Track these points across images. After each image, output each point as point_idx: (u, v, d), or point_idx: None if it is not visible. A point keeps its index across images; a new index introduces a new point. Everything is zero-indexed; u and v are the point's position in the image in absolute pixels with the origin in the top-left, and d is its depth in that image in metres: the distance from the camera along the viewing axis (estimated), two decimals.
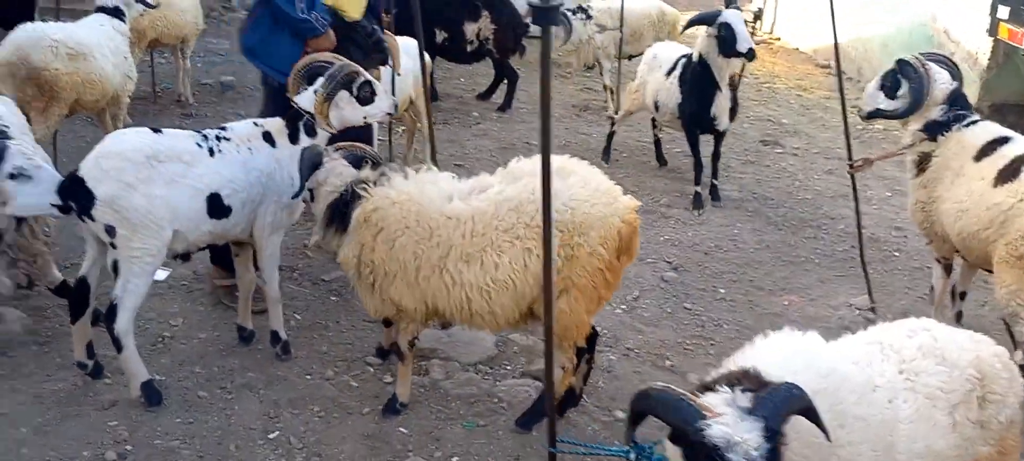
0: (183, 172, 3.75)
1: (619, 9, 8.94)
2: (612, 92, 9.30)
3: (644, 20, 9.37)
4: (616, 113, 9.09)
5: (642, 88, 7.37)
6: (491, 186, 3.70)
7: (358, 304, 5.06)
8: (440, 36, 8.75)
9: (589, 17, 9.21)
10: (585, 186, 3.62)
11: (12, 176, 3.61)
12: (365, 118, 4.19)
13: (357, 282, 3.84)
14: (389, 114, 4.27)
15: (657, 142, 7.78)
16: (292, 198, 3.95)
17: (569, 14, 9.05)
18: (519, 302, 3.63)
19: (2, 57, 5.53)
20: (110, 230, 3.65)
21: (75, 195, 3.62)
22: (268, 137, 4.08)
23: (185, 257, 4.06)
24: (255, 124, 4.11)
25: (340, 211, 3.72)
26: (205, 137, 3.92)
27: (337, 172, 3.80)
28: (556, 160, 3.67)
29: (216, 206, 3.86)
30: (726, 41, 6.43)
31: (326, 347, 4.58)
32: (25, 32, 5.65)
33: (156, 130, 3.87)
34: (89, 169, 3.64)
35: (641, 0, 9.42)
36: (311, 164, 3.79)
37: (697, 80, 6.73)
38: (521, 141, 8.26)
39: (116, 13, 6.23)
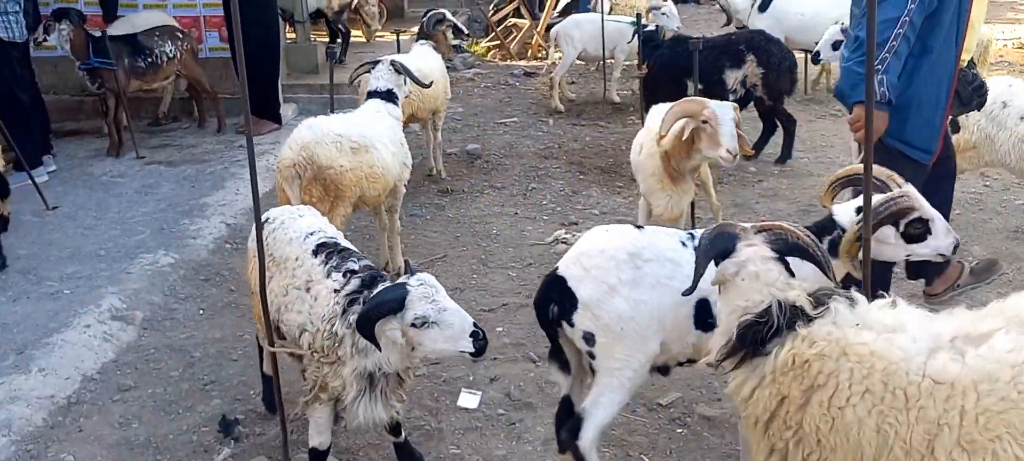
0: (670, 274, 3.20)
1: None
2: None
3: None
4: None
5: (985, 144, 5.84)
6: (991, 334, 2.48)
7: (714, 441, 4.15)
8: (692, 89, 7.77)
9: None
10: None
11: (414, 325, 3.08)
12: (908, 256, 3.36)
13: (756, 434, 2.76)
14: (944, 256, 3.27)
15: None
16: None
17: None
18: None
19: (288, 158, 5.10)
20: (588, 337, 3.28)
21: (556, 297, 3.32)
22: None
23: (664, 371, 3.49)
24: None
25: (757, 338, 2.65)
26: (691, 235, 3.37)
27: (755, 272, 2.65)
28: None
29: (703, 315, 3.22)
30: None
31: None
32: (308, 129, 5.20)
33: (637, 226, 3.43)
34: (569, 268, 3.32)
35: None
36: (720, 249, 2.75)
37: None
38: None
39: (389, 97, 5.75)
